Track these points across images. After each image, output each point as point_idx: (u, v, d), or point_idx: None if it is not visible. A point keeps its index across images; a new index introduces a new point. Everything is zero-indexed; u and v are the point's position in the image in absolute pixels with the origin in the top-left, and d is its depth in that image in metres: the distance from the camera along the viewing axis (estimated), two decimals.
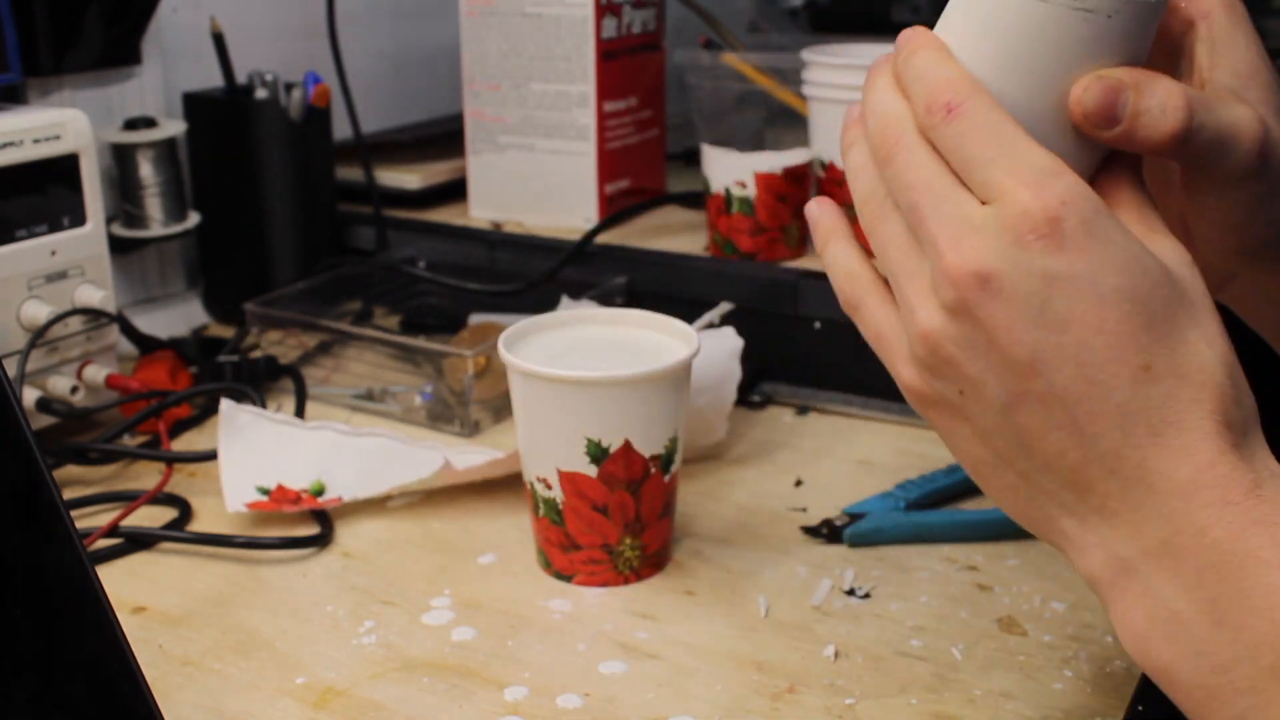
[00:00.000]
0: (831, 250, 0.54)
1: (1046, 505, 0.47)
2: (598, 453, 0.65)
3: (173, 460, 0.80)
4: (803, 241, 0.98)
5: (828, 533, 0.72)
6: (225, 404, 0.79)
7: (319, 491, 0.76)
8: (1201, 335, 0.46)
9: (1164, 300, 0.45)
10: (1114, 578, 0.45)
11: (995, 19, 0.48)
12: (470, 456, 0.79)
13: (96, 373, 0.84)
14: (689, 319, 0.90)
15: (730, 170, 0.95)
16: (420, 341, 0.91)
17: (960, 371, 0.47)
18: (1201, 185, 0.53)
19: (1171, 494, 0.44)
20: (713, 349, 0.81)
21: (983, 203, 0.46)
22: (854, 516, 0.73)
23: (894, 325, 0.50)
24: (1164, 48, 0.54)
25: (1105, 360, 0.44)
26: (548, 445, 0.66)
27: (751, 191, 0.95)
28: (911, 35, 0.50)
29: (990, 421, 0.47)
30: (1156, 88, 0.48)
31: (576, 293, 0.94)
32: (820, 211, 0.54)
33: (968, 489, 0.77)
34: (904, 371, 0.49)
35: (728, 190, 0.96)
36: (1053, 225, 0.44)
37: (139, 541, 0.72)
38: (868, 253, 0.52)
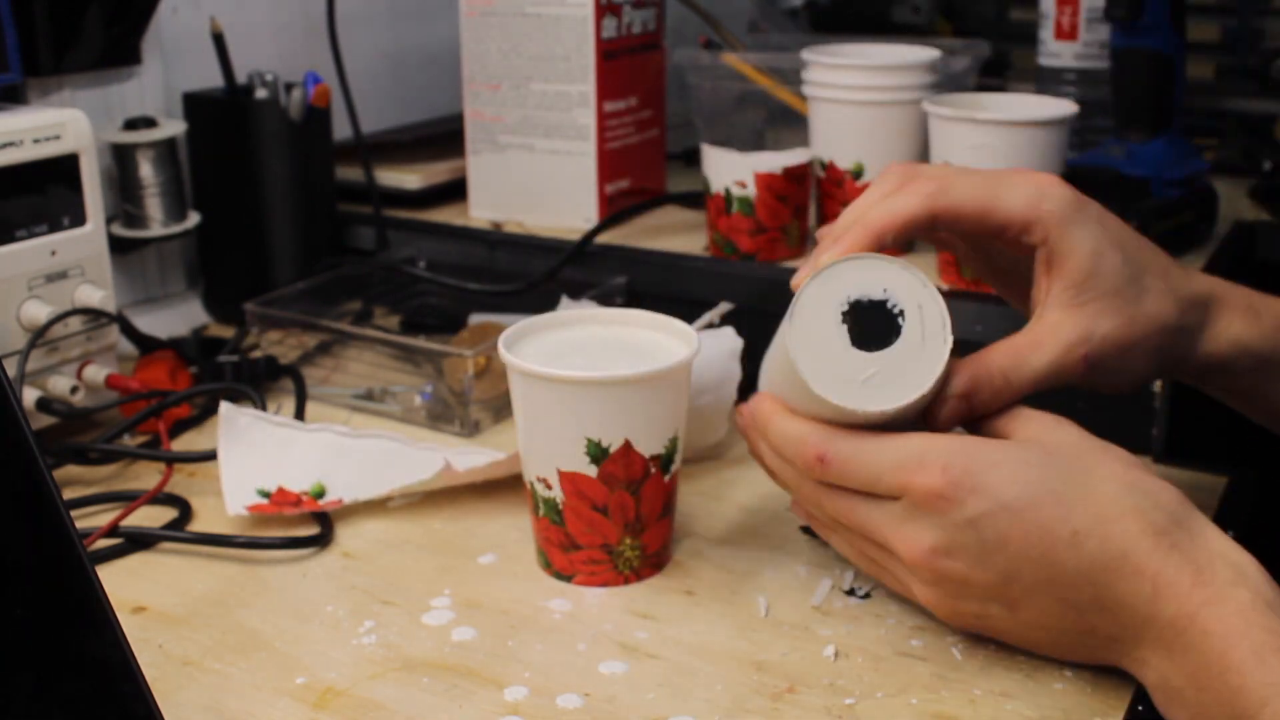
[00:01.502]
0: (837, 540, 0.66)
1: (1086, 650, 0.58)
2: (598, 453, 0.65)
3: (173, 460, 0.80)
4: (803, 241, 0.98)
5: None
6: (225, 407, 0.79)
7: (319, 494, 0.76)
8: (1103, 477, 0.56)
9: (1059, 473, 0.56)
10: (1139, 671, 0.56)
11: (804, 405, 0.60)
12: (470, 457, 0.79)
13: (96, 373, 0.84)
14: (689, 319, 0.90)
15: (730, 170, 0.95)
16: (420, 341, 0.91)
17: (968, 607, 0.59)
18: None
19: (1143, 608, 0.54)
20: (713, 349, 0.81)
21: (895, 498, 0.58)
22: None
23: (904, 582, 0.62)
24: (1020, 274, 0.66)
25: (1044, 549, 0.56)
26: (548, 445, 0.66)
27: (751, 191, 0.95)
28: (758, 406, 0.64)
29: (1010, 623, 0.59)
30: (981, 386, 0.62)
31: (576, 293, 0.94)
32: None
33: None
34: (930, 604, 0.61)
35: (728, 190, 0.96)
36: (950, 486, 0.56)
37: (139, 541, 0.72)
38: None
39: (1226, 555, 0.54)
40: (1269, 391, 0.69)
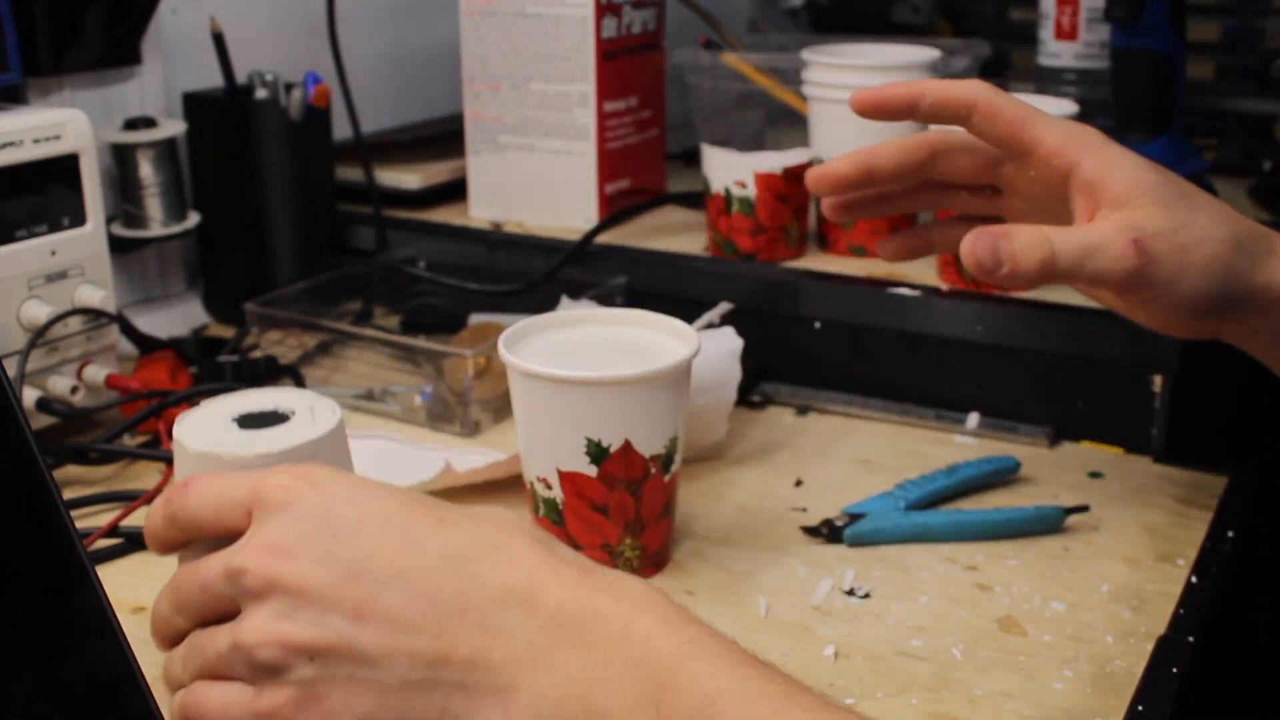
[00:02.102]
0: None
1: (435, 701, 0.47)
2: (598, 452, 0.65)
3: (172, 460, 0.79)
4: (803, 241, 0.98)
5: (827, 532, 0.72)
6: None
7: None
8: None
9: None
10: (505, 706, 0.46)
11: None
12: (471, 457, 0.79)
13: (96, 373, 0.84)
14: (689, 319, 0.90)
15: (730, 170, 0.95)
16: (420, 341, 0.91)
17: (300, 637, 0.47)
18: (1121, 293, 0.62)
19: (518, 600, 0.46)
20: (713, 349, 0.81)
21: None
22: (854, 516, 0.73)
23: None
24: (1058, 198, 0.64)
25: (393, 534, 0.48)
26: (548, 445, 0.66)
27: (751, 191, 0.95)
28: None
29: (344, 665, 0.47)
30: (1020, 232, 0.59)
31: (576, 293, 0.94)
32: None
33: (967, 488, 0.77)
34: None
35: (728, 190, 0.96)
36: (289, 486, 0.49)
37: (139, 542, 0.72)
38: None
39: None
40: None
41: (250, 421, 0.59)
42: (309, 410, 0.60)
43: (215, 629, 0.49)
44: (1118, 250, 0.58)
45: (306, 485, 0.49)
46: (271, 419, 0.60)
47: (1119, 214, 0.60)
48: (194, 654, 0.50)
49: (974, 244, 0.59)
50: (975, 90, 0.64)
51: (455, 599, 0.46)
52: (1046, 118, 0.64)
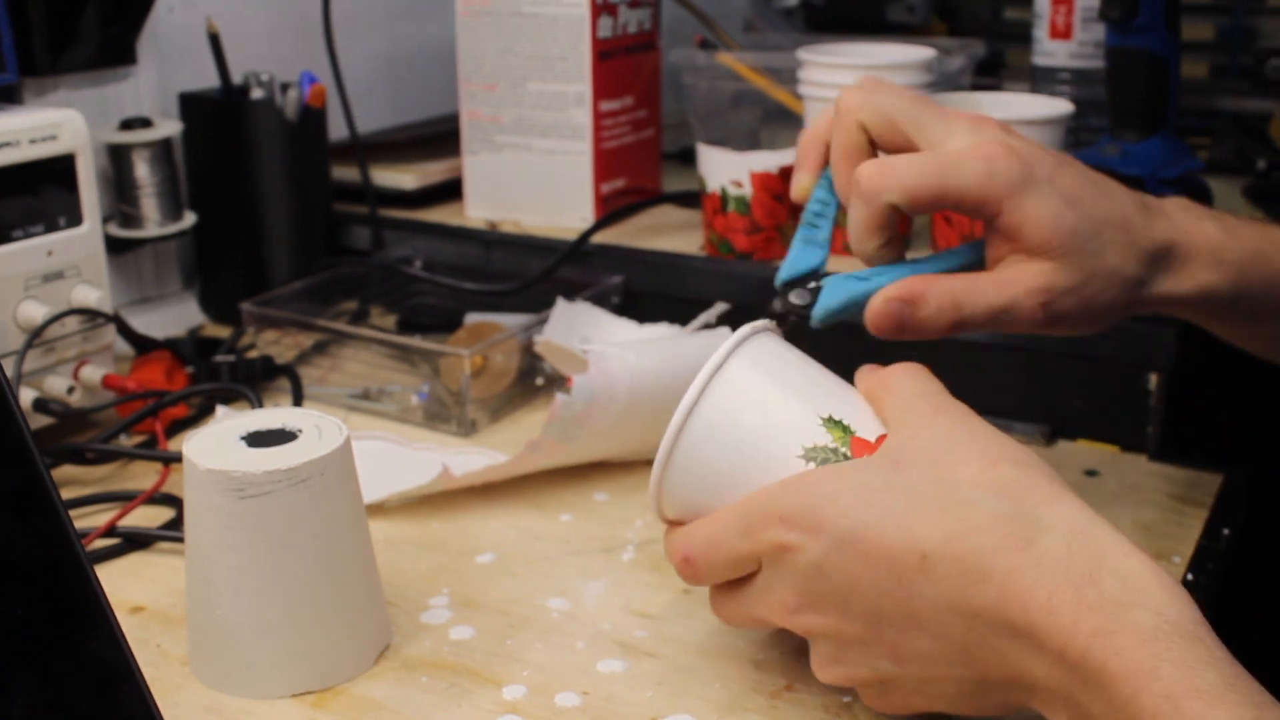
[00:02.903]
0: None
1: (1000, 698, 0.50)
2: None
3: (169, 460, 0.80)
4: None
5: (796, 318, 0.65)
6: (221, 411, 0.79)
7: None
8: (956, 484, 0.50)
9: (903, 491, 0.50)
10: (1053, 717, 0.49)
11: None
12: (469, 458, 0.79)
13: (93, 373, 0.84)
14: (685, 319, 0.90)
15: (726, 169, 0.95)
16: (417, 341, 0.91)
17: (858, 671, 0.53)
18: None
19: (1022, 641, 0.47)
20: (709, 350, 0.81)
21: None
22: (795, 283, 0.65)
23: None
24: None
25: (895, 581, 0.50)
26: None
27: (747, 191, 0.95)
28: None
29: (908, 681, 0.52)
30: (930, 297, 0.59)
31: (572, 292, 0.94)
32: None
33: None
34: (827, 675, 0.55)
35: (723, 189, 0.96)
36: (789, 532, 0.52)
37: (136, 541, 0.72)
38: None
39: (1114, 565, 0.46)
40: (1240, 327, 0.68)
41: (258, 439, 0.60)
42: (316, 428, 0.60)
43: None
44: (1026, 314, 0.61)
45: (796, 551, 0.52)
46: (279, 437, 0.60)
47: (1030, 270, 0.60)
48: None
49: (882, 311, 0.60)
50: (881, 210, 0.61)
51: (969, 637, 0.48)
52: (955, 168, 0.60)
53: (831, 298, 0.63)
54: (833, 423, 0.56)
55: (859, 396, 0.58)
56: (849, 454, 0.55)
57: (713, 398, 0.56)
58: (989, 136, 0.61)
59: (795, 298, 0.64)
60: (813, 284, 0.64)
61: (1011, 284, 0.60)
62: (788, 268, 0.66)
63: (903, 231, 0.65)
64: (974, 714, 0.52)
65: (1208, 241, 0.64)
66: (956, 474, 0.50)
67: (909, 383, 0.56)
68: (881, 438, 0.55)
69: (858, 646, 0.52)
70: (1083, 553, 0.47)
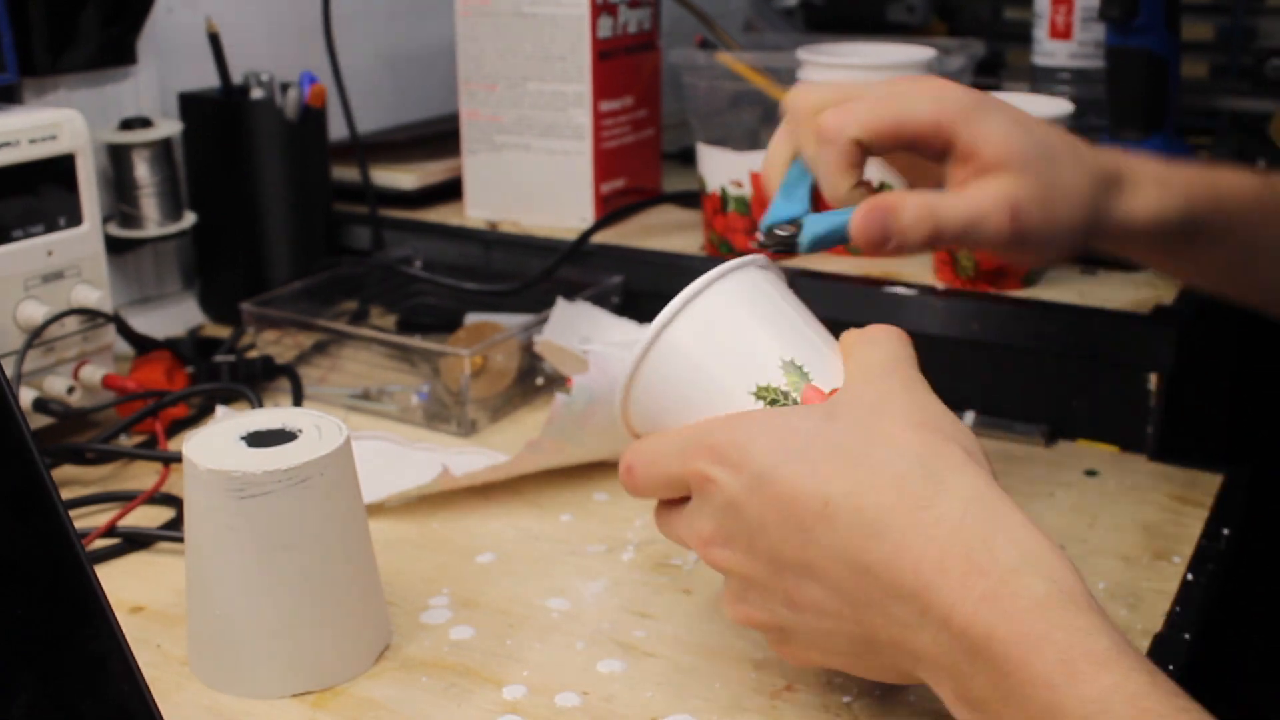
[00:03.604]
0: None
1: (885, 661, 0.50)
2: None
3: (169, 460, 0.80)
4: None
5: (782, 248, 0.65)
6: (221, 411, 0.79)
7: None
8: (878, 439, 0.50)
9: (825, 439, 0.51)
10: (937, 685, 0.49)
11: None
12: (469, 458, 0.79)
13: (93, 373, 0.84)
14: None
15: (726, 169, 0.95)
16: (417, 341, 0.91)
17: (758, 612, 0.53)
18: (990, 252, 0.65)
19: (910, 602, 0.47)
20: None
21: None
22: (784, 227, 0.65)
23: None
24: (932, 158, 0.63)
25: (797, 523, 0.50)
26: None
27: (747, 191, 0.95)
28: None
29: (801, 631, 0.52)
30: (908, 205, 0.60)
31: (572, 292, 0.94)
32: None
33: None
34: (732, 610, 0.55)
35: (723, 189, 0.96)
36: (716, 464, 0.52)
37: (136, 541, 0.72)
38: None
39: (1009, 534, 0.46)
40: (1194, 258, 0.69)
41: (258, 439, 0.60)
42: (316, 428, 0.61)
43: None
44: (997, 221, 0.61)
45: (717, 484, 0.52)
46: (279, 437, 0.60)
47: (995, 182, 0.61)
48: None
49: (864, 220, 0.60)
50: (847, 144, 0.62)
51: (858, 593, 0.49)
52: (908, 102, 0.62)
53: (815, 225, 0.64)
54: (792, 367, 0.56)
55: (834, 348, 0.58)
56: (798, 400, 0.55)
57: (685, 320, 0.57)
58: (930, 78, 0.64)
59: (780, 230, 0.64)
60: (793, 225, 0.65)
61: (979, 196, 0.61)
62: (769, 216, 0.66)
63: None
64: (867, 676, 0.53)
65: (1152, 170, 0.66)
66: (879, 431, 0.51)
67: (881, 342, 0.56)
68: (835, 391, 0.55)
69: (760, 589, 0.52)
70: (979, 518, 0.47)
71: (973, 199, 0.61)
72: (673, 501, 0.57)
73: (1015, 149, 0.61)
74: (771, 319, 0.58)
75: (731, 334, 0.57)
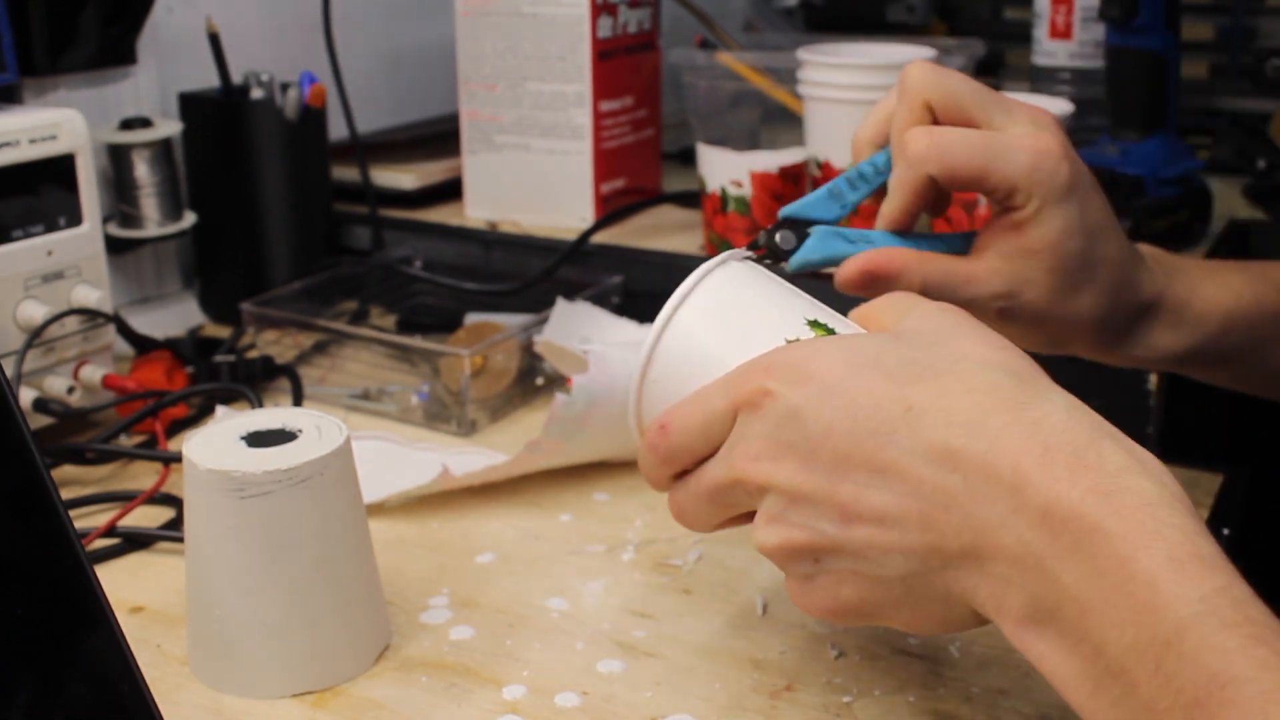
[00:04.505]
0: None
1: (936, 584, 0.47)
2: None
3: (169, 460, 0.79)
4: None
5: (771, 259, 0.63)
6: (221, 411, 0.79)
7: None
8: (954, 354, 0.48)
9: (898, 353, 0.48)
10: (1000, 597, 0.45)
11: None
12: (469, 458, 0.79)
13: (93, 373, 0.84)
14: None
15: (726, 169, 0.95)
16: (417, 341, 0.91)
17: (797, 532, 0.49)
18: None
19: (1002, 498, 0.44)
20: None
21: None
22: (792, 224, 0.64)
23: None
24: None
25: (874, 427, 0.47)
26: None
27: (747, 191, 0.95)
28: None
29: (844, 554, 0.48)
30: (903, 281, 0.60)
31: (572, 292, 0.94)
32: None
33: None
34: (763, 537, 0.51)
35: (723, 189, 0.96)
36: (771, 379, 0.49)
37: (136, 541, 0.72)
38: None
39: (1115, 437, 0.44)
40: (1225, 376, 0.70)
41: (258, 439, 0.60)
42: (316, 428, 0.61)
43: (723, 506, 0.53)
44: (983, 312, 0.60)
45: (774, 396, 0.49)
46: (279, 437, 0.60)
47: (1005, 272, 0.61)
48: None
49: (849, 280, 0.61)
50: (919, 179, 0.62)
51: (937, 494, 0.45)
52: (1005, 155, 0.61)
53: (812, 251, 0.63)
54: (818, 325, 0.54)
55: (847, 320, 0.57)
56: None
57: (699, 296, 0.56)
58: (1046, 132, 0.61)
59: (781, 240, 0.63)
60: (806, 231, 0.64)
61: (982, 284, 0.61)
62: (799, 206, 0.64)
63: (938, 212, 0.65)
64: (895, 616, 0.49)
65: (1175, 300, 0.65)
66: (959, 348, 0.49)
67: (904, 297, 0.55)
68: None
69: (806, 504, 0.48)
70: (1083, 423, 0.45)
71: (972, 286, 0.61)
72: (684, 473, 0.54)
73: (1061, 252, 0.61)
74: (785, 290, 0.57)
75: (753, 301, 0.56)
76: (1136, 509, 0.41)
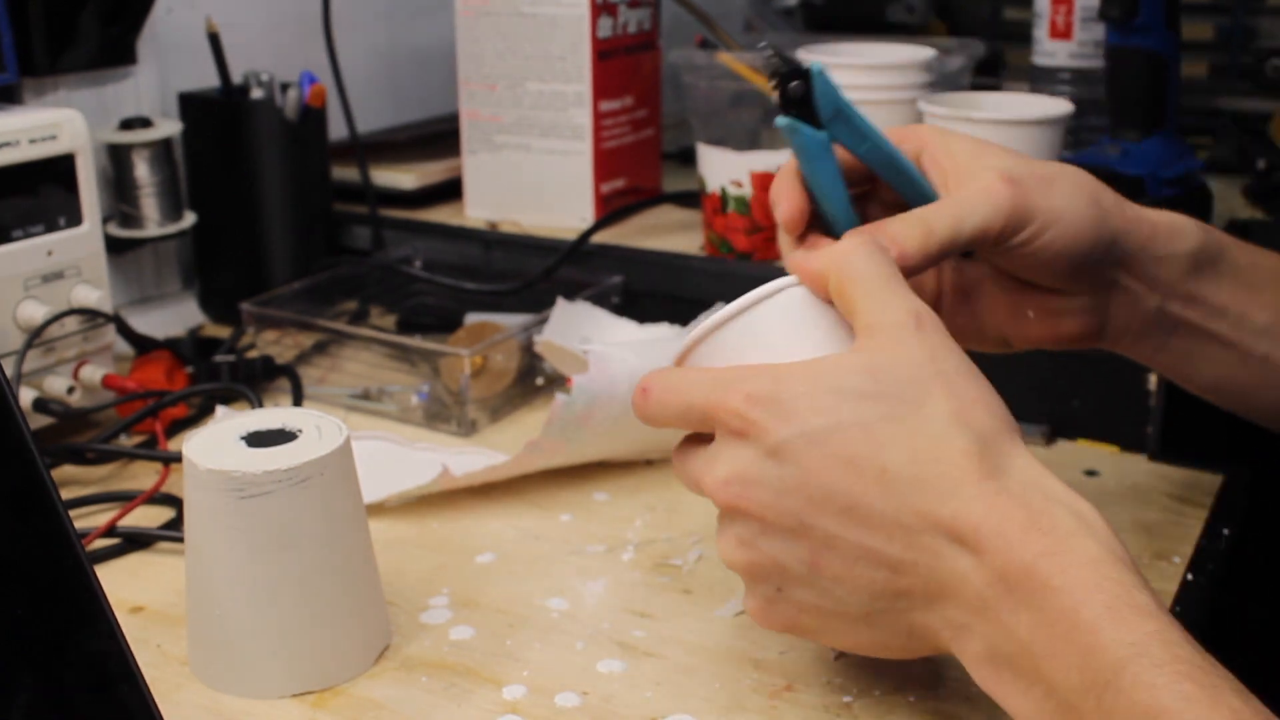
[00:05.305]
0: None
1: (899, 624, 0.51)
2: None
3: (169, 460, 0.80)
4: None
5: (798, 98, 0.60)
6: (221, 411, 0.79)
7: None
8: (930, 414, 0.50)
9: (876, 404, 0.50)
10: (960, 643, 0.50)
11: None
12: (469, 458, 0.79)
13: (93, 373, 0.84)
14: (685, 319, 0.90)
15: (726, 169, 0.95)
16: (416, 341, 0.91)
17: (763, 559, 0.52)
18: (1009, 240, 0.60)
19: (964, 560, 0.48)
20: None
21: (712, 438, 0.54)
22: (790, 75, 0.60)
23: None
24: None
25: (847, 486, 0.50)
26: None
27: (747, 190, 0.95)
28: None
29: (811, 591, 0.52)
30: (892, 220, 0.58)
31: (573, 292, 0.94)
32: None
33: None
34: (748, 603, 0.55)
35: (723, 189, 0.96)
36: (752, 409, 0.51)
37: (136, 541, 0.72)
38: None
39: (1067, 503, 0.48)
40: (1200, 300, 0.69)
41: (258, 439, 0.60)
42: (316, 428, 0.61)
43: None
44: (988, 191, 0.58)
45: (755, 427, 0.51)
46: (279, 437, 0.60)
47: (978, 165, 0.60)
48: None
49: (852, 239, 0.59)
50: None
51: (908, 546, 0.49)
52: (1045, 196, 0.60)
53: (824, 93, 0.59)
54: None
55: None
56: None
57: (773, 304, 0.57)
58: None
59: (793, 90, 0.59)
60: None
61: (961, 185, 0.60)
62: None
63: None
64: (856, 643, 0.53)
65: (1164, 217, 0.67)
66: (928, 402, 0.50)
67: (871, 266, 0.54)
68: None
69: (777, 536, 0.52)
70: (1040, 491, 0.49)
71: (956, 191, 0.59)
72: (694, 441, 0.56)
73: (1064, 251, 0.60)
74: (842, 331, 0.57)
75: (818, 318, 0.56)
76: (1081, 566, 0.46)
